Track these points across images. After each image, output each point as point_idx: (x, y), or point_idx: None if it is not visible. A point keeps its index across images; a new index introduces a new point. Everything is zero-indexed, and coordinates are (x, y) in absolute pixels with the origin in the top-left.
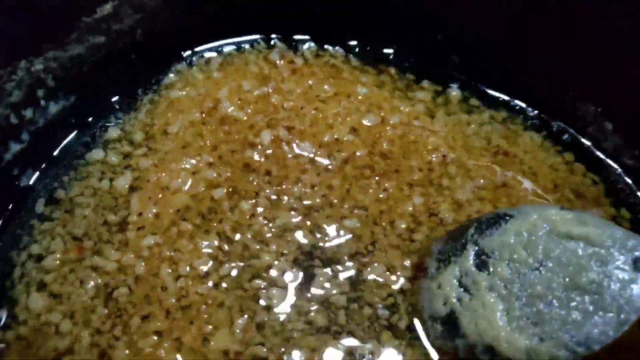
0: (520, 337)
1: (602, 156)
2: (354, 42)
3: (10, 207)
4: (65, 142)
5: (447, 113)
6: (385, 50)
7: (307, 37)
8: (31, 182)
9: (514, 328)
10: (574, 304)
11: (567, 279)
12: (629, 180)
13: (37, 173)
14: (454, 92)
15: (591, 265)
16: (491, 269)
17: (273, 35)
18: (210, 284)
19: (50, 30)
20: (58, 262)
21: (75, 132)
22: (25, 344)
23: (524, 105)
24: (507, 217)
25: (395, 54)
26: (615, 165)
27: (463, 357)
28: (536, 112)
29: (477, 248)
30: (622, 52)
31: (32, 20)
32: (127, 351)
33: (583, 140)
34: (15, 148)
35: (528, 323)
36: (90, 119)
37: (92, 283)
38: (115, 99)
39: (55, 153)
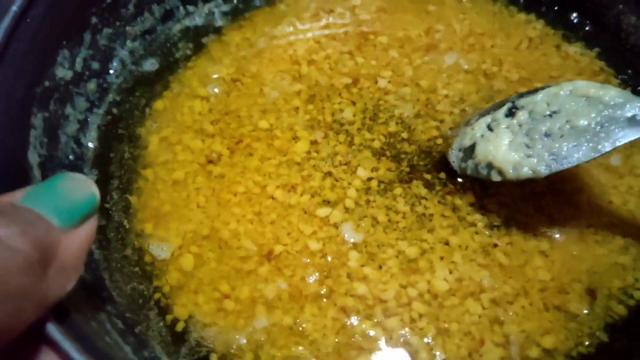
0: (513, 154)
1: None
2: None
3: None
4: None
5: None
6: None
7: None
8: None
9: (511, 149)
10: (563, 136)
11: (567, 121)
12: None
13: None
14: None
15: (592, 115)
16: (514, 116)
17: None
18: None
19: None
20: None
21: None
22: None
23: None
24: (547, 87)
25: None
26: None
27: (469, 173)
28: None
29: (512, 104)
30: None
31: None
32: None
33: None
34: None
35: (523, 146)
36: None
37: None
38: None
39: None
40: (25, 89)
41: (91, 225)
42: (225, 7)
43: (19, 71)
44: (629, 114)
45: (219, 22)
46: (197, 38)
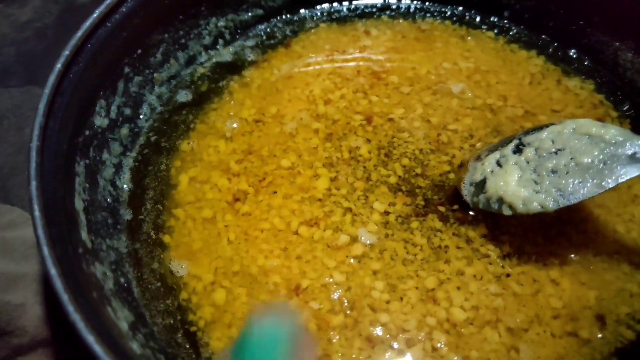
0: (522, 190)
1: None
2: None
3: None
4: None
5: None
6: None
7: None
8: None
9: (520, 185)
10: (569, 173)
11: (571, 159)
12: None
13: None
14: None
15: (595, 152)
16: (522, 153)
17: None
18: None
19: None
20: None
21: None
22: None
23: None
24: (550, 125)
25: None
26: None
27: (481, 207)
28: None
29: (518, 141)
30: None
31: None
32: None
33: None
34: None
35: (531, 182)
36: None
37: None
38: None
39: None
40: (69, 139)
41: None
42: (245, 50)
43: (63, 123)
44: (630, 152)
45: (240, 65)
46: (219, 79)
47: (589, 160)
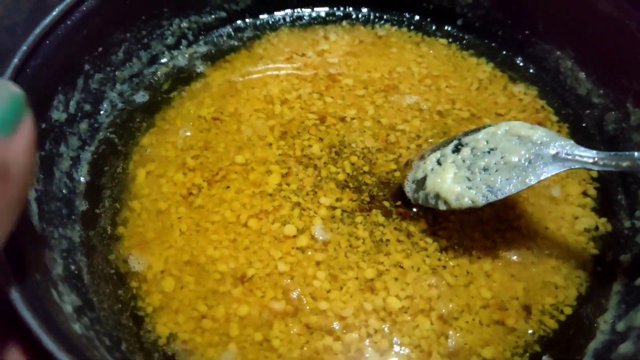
0: (456, 186)
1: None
2: None
3: None
4: None
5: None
6: None
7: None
8: None
9: (455, 182)
10: (498, 170)
11: (501, 158)
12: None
13: None
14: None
15: (522, 152)
16: (459, 152)
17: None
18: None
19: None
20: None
21: None
22: None
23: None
24: (488, 126)
25: None
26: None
27: (421, 203)
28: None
29: (458, 141)
30: None
31: None
32: None
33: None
34: None
35: (465, 179)
36: None
37: None
38: None
39: None
40: None
41: (28, 126)
42: (207, 51)
43: None
44: (553, 151)
45: (201, 65)
46: (181, 79)
47: (517, 159)
